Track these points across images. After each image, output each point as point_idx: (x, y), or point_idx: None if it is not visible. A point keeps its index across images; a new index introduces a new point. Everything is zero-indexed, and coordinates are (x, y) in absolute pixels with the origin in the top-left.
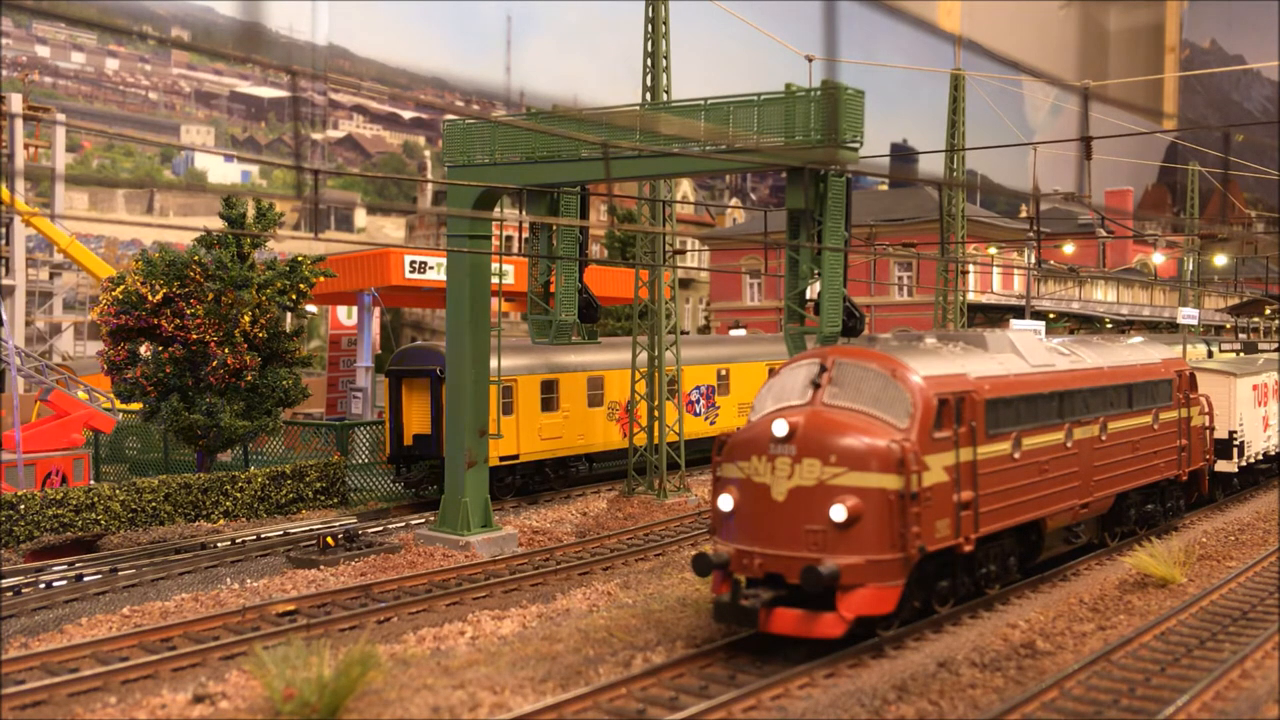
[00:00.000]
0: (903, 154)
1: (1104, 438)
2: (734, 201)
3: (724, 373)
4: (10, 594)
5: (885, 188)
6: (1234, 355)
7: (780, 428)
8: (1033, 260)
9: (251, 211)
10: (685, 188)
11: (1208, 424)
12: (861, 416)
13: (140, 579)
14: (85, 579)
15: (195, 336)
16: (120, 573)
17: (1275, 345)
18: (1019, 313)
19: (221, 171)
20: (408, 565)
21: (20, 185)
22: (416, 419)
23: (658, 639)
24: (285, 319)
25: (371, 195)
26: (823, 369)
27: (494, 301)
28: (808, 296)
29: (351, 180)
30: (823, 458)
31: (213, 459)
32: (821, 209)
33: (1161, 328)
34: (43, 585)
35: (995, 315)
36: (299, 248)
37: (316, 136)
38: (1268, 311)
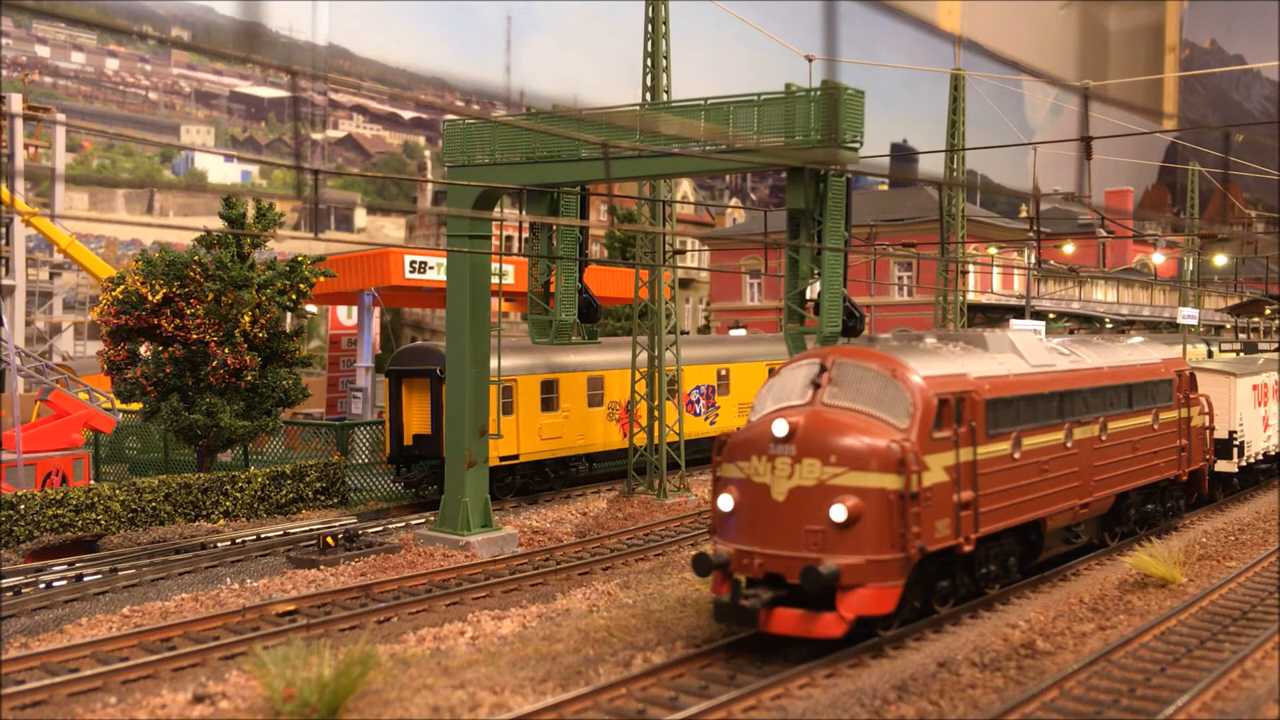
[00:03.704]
0: (903, 154)
1: (1104, 438)
2: (734, 201)
3: (724, 373)
4: (10, 594)
5: (885, 188)
6: (1234, 355)
7: (780, 428)
8: (1033, 260)
9: (251, 211)
10: (685, 188)
11: (1208, 424)
12: (861, 416)
13: (140, 579)
14: (85, 579)
15: (195, 336)
16: (120, 573)
17: (1275, 345)
18: (1019, 313)
19: (221, 171)
20: (408, 565)
21: (20, 185)
22: (416, 419)
23: (658, 639)
24: (285, 319)
25: (371, 195)
26: (823, 369)
27: (494, 301)
28: (808, 296)
29: (351, 180)
30: (823, 458)
31: (213, 459)
32: (821, 209)
33: (1161, 328)
34: (43, 585)
35: (995, 315)
36: (299, 248)
37: (316, 136)
38: (1268, 311)
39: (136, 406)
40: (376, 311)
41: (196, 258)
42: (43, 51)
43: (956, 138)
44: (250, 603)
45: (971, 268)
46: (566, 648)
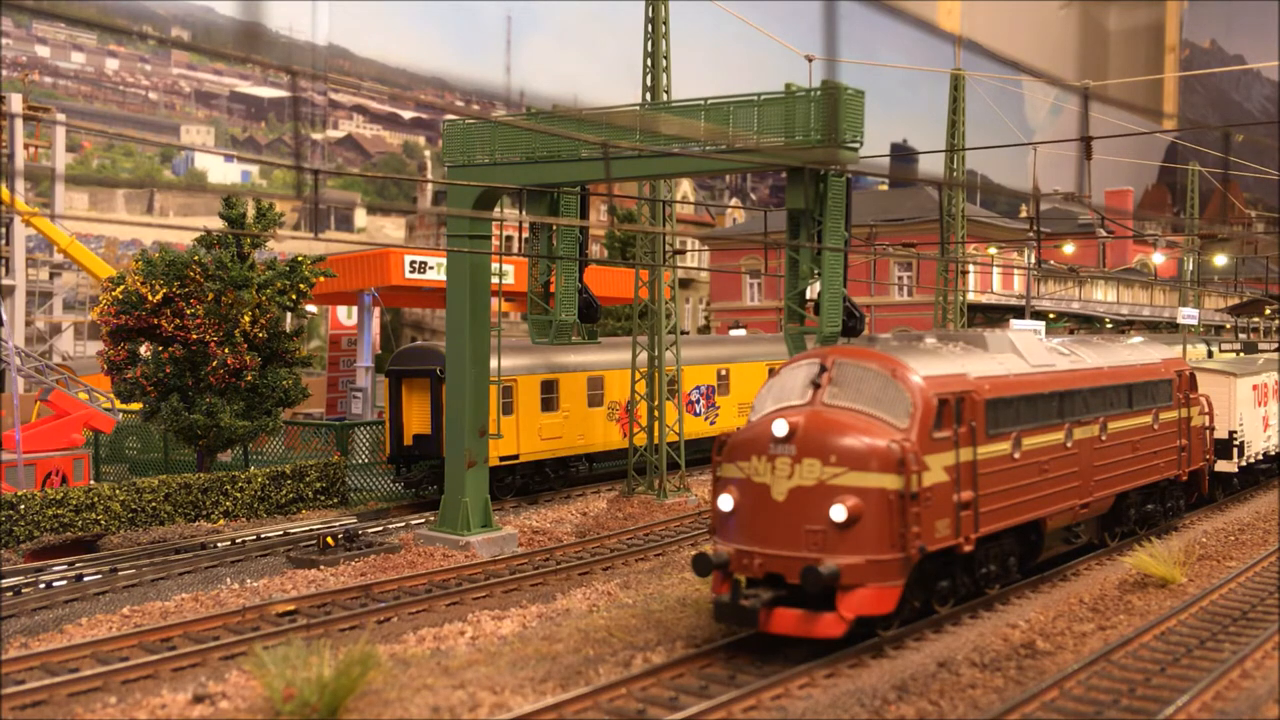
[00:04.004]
0: (903, 154)
1: (1104, 438)
2: (734, 201)
3: (724, 373)
4: (10, 594)
5: (885, 188)
6: (1234, 355)
7: (780, 428)
8: (1033, 260)
9: (251, 211)
10: (685, 188)
11: (1208, 424)
12: (861, 416)
13: (140, 579)
14: (85, 579)
15: (195, 336)
16: (120, 573)
17: (1275, 345)
18: (1019, 313)
19: (221, 171)
20: (408, 565)
21: (20, 185)
22: (416, 419)
23: (658, 639)
24: (285, 319)
25: (371, 195)
26: (823, 369)
27: (494, 301)
28: (808, 296)
29: (351, 180)
30: (823, 458)
31: (213, 459)
32: (821, 209)
33: (1161, 328)
34: (43, 585)
35: (995, 315)
36: (299, 248)
37: (316, 136)
38: (1268, 311)
39: (136, 406)
40: (376, 311)
41: (196, 258)
42: (43, 51)
43: (956, 138)
44: (250, 603)
45: (971, 268)
46: (566, 648)
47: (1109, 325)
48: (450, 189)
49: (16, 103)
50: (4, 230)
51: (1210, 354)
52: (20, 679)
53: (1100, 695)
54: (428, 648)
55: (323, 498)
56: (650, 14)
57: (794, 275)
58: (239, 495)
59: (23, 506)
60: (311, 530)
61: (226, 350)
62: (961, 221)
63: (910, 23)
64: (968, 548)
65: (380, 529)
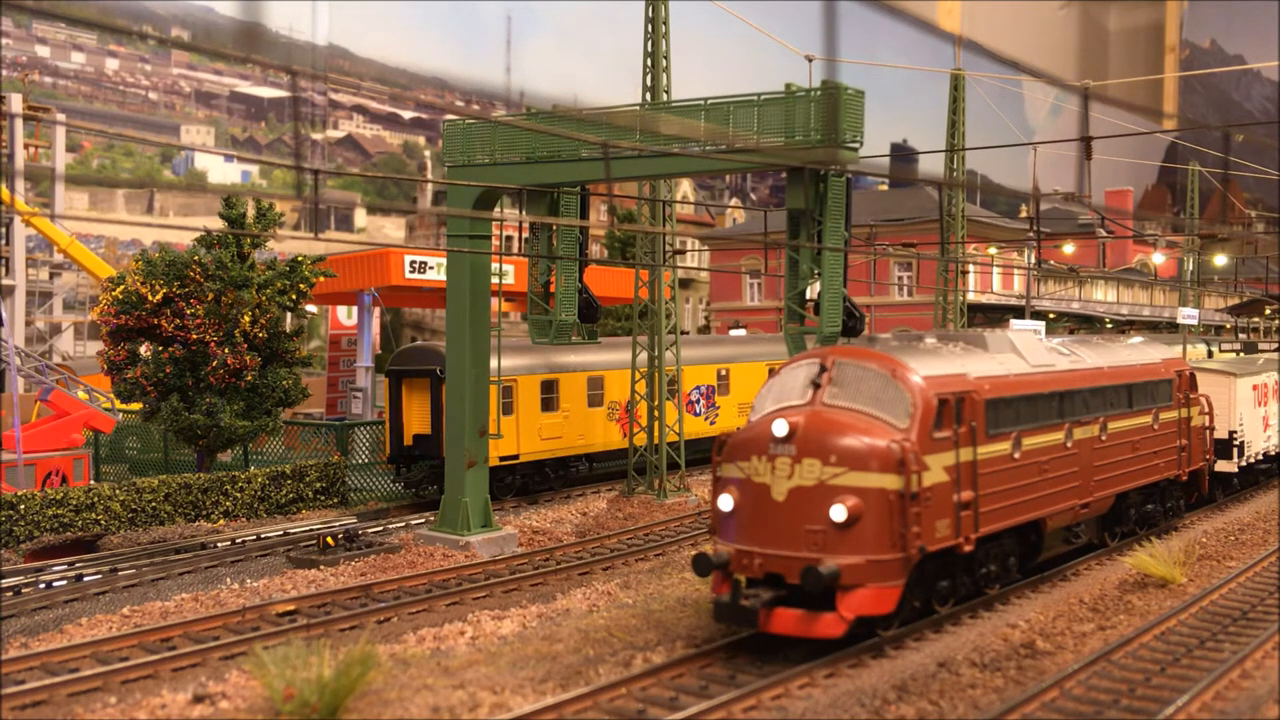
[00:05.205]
0: (903, 154)
1: (1104, 438)
2: (734, 201)
3: (724, 373)
4: (10, 594)
5: (885, 188)
6: (1234, 355)
7: (780, 428)
8: (1033, 260)
9: (251, 211)
10: (685, 188)
11: (1208, 424)
12: (861, 416)
13: (140, 579)
14: (85, 579)
15: (195, 336)
16: (120, 573)
17: (1275, 345)
18: (1019, 313)
19: (221, 171)
20: (408, 565)
21: (20, 185)
22: (416, 419)
23: (658, 639)
24: (285, 319)
25: (371, 195)
26: (823, 369)
27: (494, 301)
28: (808, 296)
29: (351, 180)
30: (823, 458)
31: (213, 459)
32: (821, 209)
33: (1161, 328)
34: (43, 585)
35: (995, 315)
36: (299, 248)
37: (316, 136)
38: (1268, 311)
39: (136, 406)
40: (376, 311)
41: (196, 258)
42: (43, 51)
43: (956, 138)
44: (250, 603)
45: (971, 268)
46: (566, 648)
47: (1109, 325)
48: (450, 189)
49: (16, 103)
50: (4, 230)
51: (1210, 354)
52: (20, 679)
53: (1100, 695)
54: (428, 648)
55: (323, 498)
56: (650, 14)
57: (794, 275)
58: (239, 495)
59: (23, 506)
60: (311, 530)
61: (226, 350)
62: (961, 221)
63: (910, 23)
64: (968, 548)
65: (380, 529)
